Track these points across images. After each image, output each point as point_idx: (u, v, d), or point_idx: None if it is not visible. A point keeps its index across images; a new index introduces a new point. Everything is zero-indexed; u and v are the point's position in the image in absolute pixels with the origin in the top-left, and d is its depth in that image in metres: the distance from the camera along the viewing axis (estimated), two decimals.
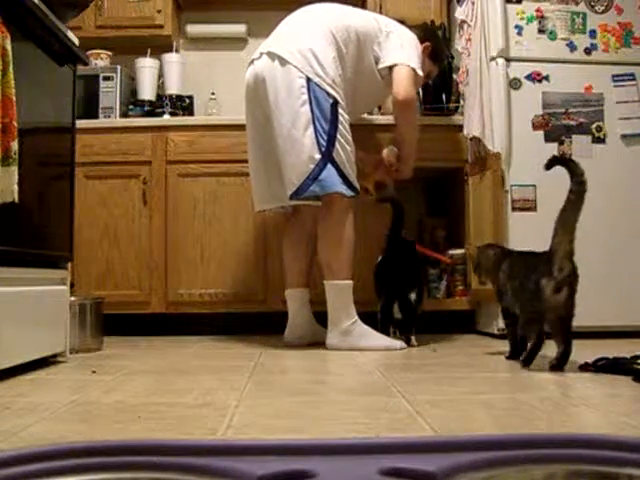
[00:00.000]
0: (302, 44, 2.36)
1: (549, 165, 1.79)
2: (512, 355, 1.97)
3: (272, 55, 2.37)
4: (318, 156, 2.29)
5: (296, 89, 2.31)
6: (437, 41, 2.74)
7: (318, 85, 2.31)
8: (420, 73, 2.45)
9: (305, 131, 2.30)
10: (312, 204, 2.41)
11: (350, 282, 2.37)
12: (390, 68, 2.44)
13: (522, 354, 1.88)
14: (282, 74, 2.33)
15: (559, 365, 1.76)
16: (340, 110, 2.35)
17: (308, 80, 2.31)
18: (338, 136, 2.32)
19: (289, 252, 2.59)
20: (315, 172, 2.29)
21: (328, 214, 2.37)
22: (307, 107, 2.30)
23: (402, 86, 2.39)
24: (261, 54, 2.42)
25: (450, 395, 1.42)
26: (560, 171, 2.86)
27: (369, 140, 2.75)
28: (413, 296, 2.46)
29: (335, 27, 2.41)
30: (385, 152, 2.58)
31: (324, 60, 2.34)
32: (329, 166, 2.30)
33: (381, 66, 2.45)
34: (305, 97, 2.30)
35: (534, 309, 1.79)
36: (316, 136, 2.29)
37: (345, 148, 2.35)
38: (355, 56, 2.45)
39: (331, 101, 2.33)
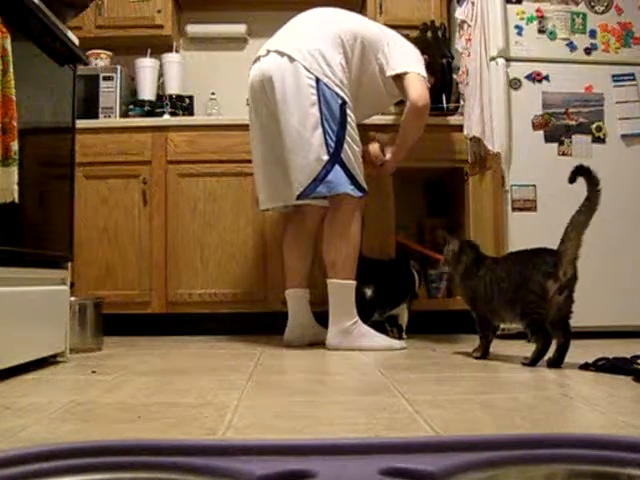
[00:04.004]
0: (311, 45, 2.36)
1: (572, 179, 1.79)
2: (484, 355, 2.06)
3: (281, 53, 2.36)
4: (326, 157, 2.29)
5: (305, 89, 2.31)
6: (433, 54, 2.79)
7: (327, 85, 2.32)
8: (427, 84, 2.48)
9: (314, 132, 2.30)
10: (319, 203, 2.42)
11: (353, 282, 2.37)
12: (398, 76, 2.44)
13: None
14: (290, 73, 2.33)
15: (559, 359, 1.77)
16: (348, 111, 2.35)
17: (317, 80, 2.31)
18: (346, 137, 2.33)
19: (290, 252, 2.59)
20: (322, 173, 2.29)
21: (335, 214, 2.37)
22: (316, 108, 2.30)
23: (420, 93, 2.41)
24: (268, 52, 2.41)
25: (450, 395, 1.42)
26: (560, 171, 2.85)
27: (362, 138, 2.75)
28: (369, 292, 2.51)
29: (343, 32, 2.42)
30: (373, 147, 2.60)
31: (332, 61, 2.35)
32: (337, 167, 2.30)
33: (390, 73, 2.45)
34: (314, 98, 2.30)
35: (540, 310, 1.82)
36: (324, 137, 2.29)
37: (353, 149, 2.35)
38: (360, 63, 2.45)
39: (340, 102, 2.33)
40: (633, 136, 2.77)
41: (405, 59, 2.46)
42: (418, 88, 2.41)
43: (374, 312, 2.57)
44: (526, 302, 1.85)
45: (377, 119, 2.91)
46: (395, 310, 2.67)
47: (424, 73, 2.46)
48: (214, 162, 2.98)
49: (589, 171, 1.78)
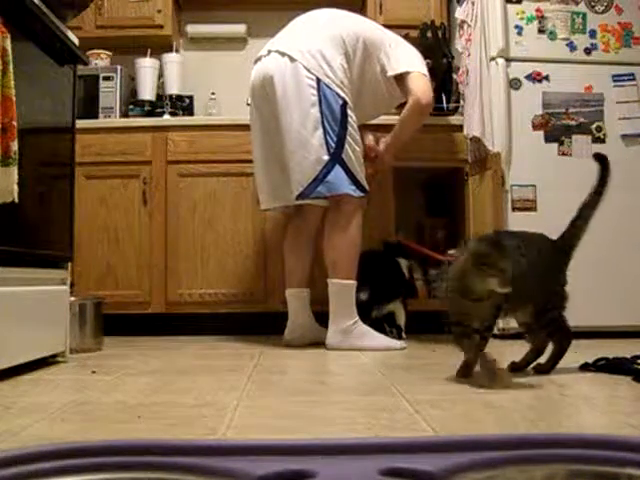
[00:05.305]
0: (312, 45, 2.36)
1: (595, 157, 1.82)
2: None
3: (282, 53, 2.37)
4: (326, 157, 2.29)
5: (306, 89, 2.31)
6: (435, 57, 2.80)
7: (328, 86, 2.32)
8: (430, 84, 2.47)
9: (314, 132, 2.30)
10: (319, 204, 2.42)
11: (353, 282, 2.37)
12: (401, 76, 2.44)
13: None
14: (291, 73, 2.33)
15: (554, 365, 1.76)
16: (349, 111, 2.36)
17: (318, 81, 2.31)
18: (347, 137, 2.33)
19: (290, 252, 2.59)
20: (322, 174, 2.29)
21: (336, 214, 2.37)
22: (317, 108, 2.30)
23: (424, 91, 2.41)
24: (269, 52, 2.42)
25: (450, 395, 1.42)
26: (560, 171, 2.85)
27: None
28: (363, 297, 2.51)
29: (346, 33, 2.42)
30: (368, 138, 2.60)
31: (332, 62, 2.35)
32: (337, 167, 2.31)
33: (391, 73, 2.44)
34: (315, 98, 2.30)
35: (563, 305, 1.69)
36: (325, 137, 2.30)
37: (354, 149, 2.36)
38: (361, 64, 2.45)
39: (341, 102, 2.33)
40: (633, 136, 2.77)
41: (407, 59, 2.46)
42: (422, 86, 2.41)
43: (372, 308, 2.57)
44: (552, 293, 1.65)
45: (377, 119, 2.90)
46: (391, 305, 2.66)
47: (427, 73, 2.46)
48: (214, 162, 2.98)
49: (605, 160, 1.77)
